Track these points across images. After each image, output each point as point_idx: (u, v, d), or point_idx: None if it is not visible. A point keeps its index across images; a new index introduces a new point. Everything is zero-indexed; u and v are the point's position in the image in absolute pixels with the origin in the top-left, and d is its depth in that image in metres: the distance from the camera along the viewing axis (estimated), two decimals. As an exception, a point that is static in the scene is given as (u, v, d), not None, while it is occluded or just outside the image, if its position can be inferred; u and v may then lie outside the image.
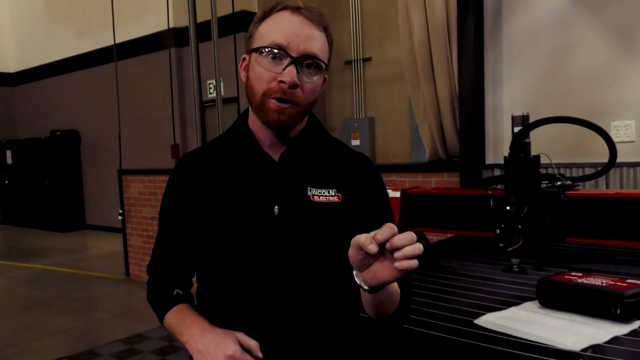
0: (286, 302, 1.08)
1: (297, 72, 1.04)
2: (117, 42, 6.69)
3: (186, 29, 5.42)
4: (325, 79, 1.13)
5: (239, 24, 6.29)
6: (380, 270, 0.93)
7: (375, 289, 0.97)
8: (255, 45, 1.08)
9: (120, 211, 5.97)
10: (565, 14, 2.91)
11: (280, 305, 1.08)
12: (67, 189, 9.78)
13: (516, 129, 1.78)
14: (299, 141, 1.15)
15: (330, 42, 1.11)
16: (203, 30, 5.04)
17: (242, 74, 1.13)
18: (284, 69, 1.04)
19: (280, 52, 1.04)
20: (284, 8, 1.08)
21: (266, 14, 1.09)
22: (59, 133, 9.81)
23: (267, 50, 1.05)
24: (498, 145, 3.19)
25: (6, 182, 10.59)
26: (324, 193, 1.12)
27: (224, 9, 5.63)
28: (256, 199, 1.10)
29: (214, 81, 5.08)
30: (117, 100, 6.53)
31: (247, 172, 1.12)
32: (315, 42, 1.06)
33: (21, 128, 11.06)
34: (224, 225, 1.09)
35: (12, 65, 11.03)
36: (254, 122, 1.15)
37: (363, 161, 1.21)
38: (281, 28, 1.05)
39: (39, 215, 10.00)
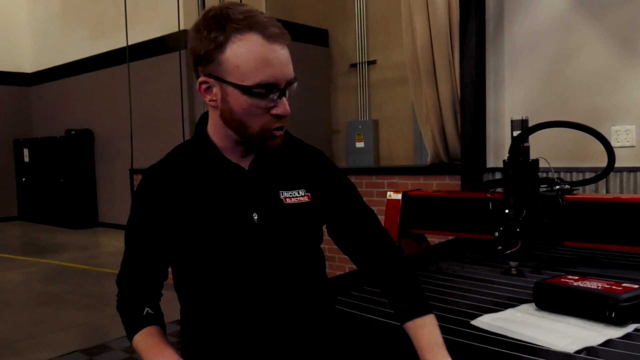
0: (272, 304, 1.11)
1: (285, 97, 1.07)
2: (129, 43, 6.75)
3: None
4: None
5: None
6: None
7: None
8: (234, 79, 1.03)
9: (132, 209, 6.00)
10: (566, 19, 2.92)
11: (266, 308, 1.11)
12: (81, 187, 9.85)
13: (515, 133, 1.80)
14: (266, 148, 1.16)
15: None
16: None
17: (207, 97, 1.08)
18: (275, 102, 1.05)
19: (270, 88, 1.04)
20: (252, 29, 1.01)
21: (228, 35, 1.01)
22: (73, 132, 9.88)
23: (257, 90, 1.03)
24: (499, 149, 3.20)
25: (23, 179, 10.69)
26: (294, 194, 1.16)
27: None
28: (235, 209, 1.11)
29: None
30: (129, 101, 6.57)
31: (219, 184, 1.13)
32: (290, 64, 1.07)
33: (37, 127, 11.15)
34: (205, 237, 1.10)
35: (28, 65, 11.13)
36: (219, 137, 1.14)
37: (321, 157, 1.26)
38: (267, 64, 1.02)
39: (54, 212, 10.06)
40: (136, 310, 1.16)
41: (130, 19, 6.77)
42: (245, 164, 1.15)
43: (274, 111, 1.06)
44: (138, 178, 5.95)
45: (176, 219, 1.12)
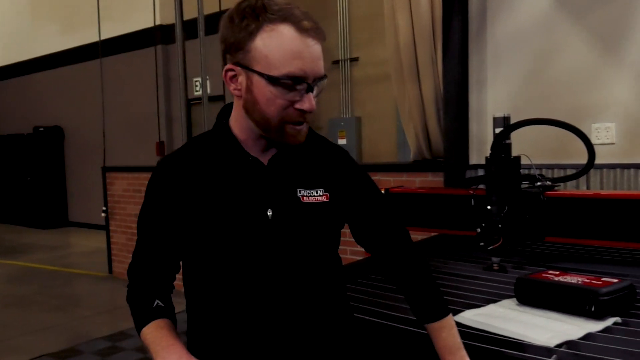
0: (285, 303, 1.08)
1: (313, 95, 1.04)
2: (102, 38, 6.65)
3: (173, 26, 5.39)
4: None
5: (226, 22, 6.26)
6: None
7: None
8: (262, 69, 1.01)
9: (104, 208, 5.94)
10: (548, 18, 2.95)
11: (279, 306, 1.08)
12: (50, 185, 9.70)
13: (497, 130, 1.81)
14: (287, 144, 1.12)
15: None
16: (190, 28, 5.02)
17: (232, 86, 1.07)
18: (302, 96, 1.02)
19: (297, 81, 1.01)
20: (287, 20, 1.00)
21: (261, 22, 1.01)
22: (42, 129, 9.73)
23: (286, 82, 1.01)
24: (482, 146, 3.22)
25: (-12, 178, 10.49)
26: (312, 193, 1.12)
27: (211, 7, 5.62)
28: (249, 203, 1.09)
29: (200, 79, 5.06)
30: (102, 97, 6.49)
31: (236, 177, 1.10)
32: (322, 61, 1.04)
33: (3, 124, 10.92)
34: (218, 230, 1.08)
35: (-5, 60, 10.93)
36: (242, 130, 1.11)
37: (344, 156, 1.22)
38: (297, 57, 1.00)
39: (21, 212, 9.91)
40: (146, 302, 1.14)
41: (104, 14, 6.68)
42: (265, 159, 1.12)
43: (298, 105, 1.03)
44: (111, 176, 5.89)
45: (189, 210, 1.09)
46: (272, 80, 1.00)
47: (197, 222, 1.09)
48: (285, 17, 1.00)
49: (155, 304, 1.13)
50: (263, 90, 1.02)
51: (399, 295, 1.53)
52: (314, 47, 1.02)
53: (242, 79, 1.04)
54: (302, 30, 1.00)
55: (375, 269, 1.77)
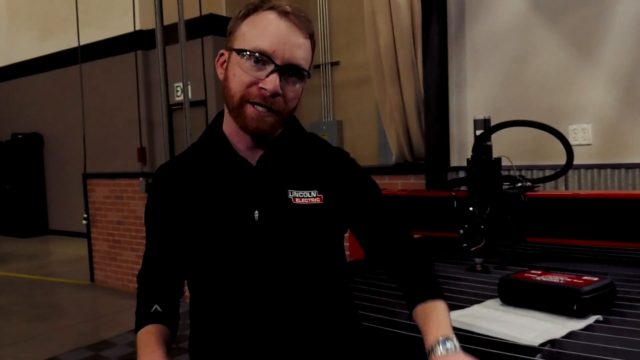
0: (272, 307, 1.06)
1: (280, 80, 1.02)
2: (81, 44, 6.57)
3: (153, 31, 5.36)
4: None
5: (207, 27, 6.25)
6: None
7: None
8: (237, 45, 1.05)
9: (85, 215, 5.86)
10: (524, 22, 3.00)
11: (267, 310, 1.06)
12: (30, 193, 9.54)
13: (478, 132, 1.83)
14: (277, 144, 1.13)
15: (313, 48, 1.10)
16: (170, 33, 4.99)
17: (219, 71, 1.10)
18: (267, 76, 1.02)
19: (264, 58, 1.02)
20: (272, 8, 1.04)
21: (251, 11, 1.05)
22: (20, 136, 9.58)
23: (249, 54, 1.02)
24: (462, 148, 3.25)
25: (-35, 186, 10.27)
26: (305, 195, 1.09)
27: (192, 12, 5.60)
28: (235, 205, 1.07)
29: (181, 84, 5.03)
30: (82, 103, 6.42)
31: (224, 179, 1.10)
32: (300, 50, 1.04)
33: (-19, 131, 10.74)
34: (205, 234, 1.08)
35: (-29, 67, 10.73)
36: (229, 126, 1.12)
37: (342, 158, 1.19)
38: (267, 33, 1.02)
39: (0, 220, 9.72)
40: (146, 306, 1.13)
41: (83, 19, 6.60)
42: (253, 159, 1.11)
43: (261, 84, 1.02)
44: (92, 183, 5.82)
45: (182, 214, 1.10)
46: (241, 52, 1.03)
47: (188, 225, 1.09)
48: (272, 6, 1.04)
49: (154, 308, 1.12)
50: (234, 66, 1.05)
51: (397, 301, 1.53)
52: (290, 32, 1.03)
53: (225, 59, 1.09)
54: (281, 13, 1.03)
55: (370, 269, 1.77)
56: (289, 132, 1.16)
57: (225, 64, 1.09)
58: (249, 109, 1.04)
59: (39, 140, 9.71)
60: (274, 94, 1.02)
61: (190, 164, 1.15)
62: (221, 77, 1.09)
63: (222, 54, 1.10)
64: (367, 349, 1.21)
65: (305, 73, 1.07)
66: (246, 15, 1.06)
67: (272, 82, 1.01)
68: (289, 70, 1.04)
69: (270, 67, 1.02)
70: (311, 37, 1.08)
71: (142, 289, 1.17)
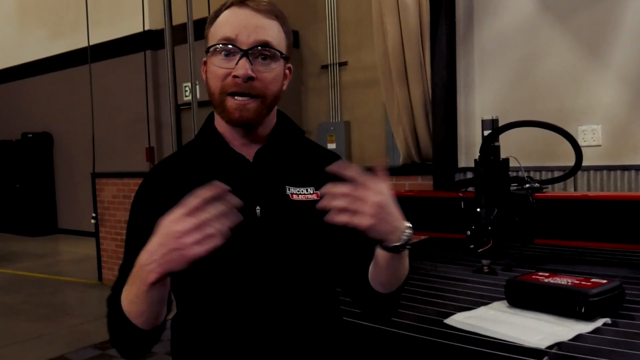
0: (273, 302, 1.06)
1: (251, 63, 1.03)
2: (91, 44, 6.61)
3: (162, 31, 5.38)
4: (290, 69, 1.12)
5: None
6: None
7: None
8: (208, 45, 1.07)
9: (94, 215, 5.89)
10: (533, 22, 2.98)
11: (267, 306, 1.06)
12: (39, 192, 9.60)
13: (486, 133, 1.82)
14: (272, 139, 1.13)
15: (287, 31, 1.10)
16: (179, 33, 5.01)
17: (204, 77, 1.12)
18: (236, 63, 1.03)
19: (231, 47, 1.03)
20: (232, 4, 1.07)
21: (216, 14, 1.08)
22: (30, 135, 9.65)
23: (218, 47, 1.04)
24: (470, 149, 3.24)
25: (-24, 185, 10.38)
26: (302, 191, 1.10)
27: (200, 12, 5.62)
28: None
29: (189, 84, 5.05)
30: (91, 103, 6.45)
31: (222, 175, 1.06)
32: (265, 30, 1.05)
33: (-8, 130, 10.85)
34: None
35: (-18, 66, 10.83)
36: (220, 124, 1.13)
37: (335, 160, 1.18)
38: (228, 22, 1.05)
39: (10, 219, 9.80)
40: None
41: (93, 19, 6.65)
42: (250, 155, 1.11)
43: (234, 72, 1.03)
44: (100, 182, 5.85)
45: None
46: (210, 49, 1.06)
47: None
48: (232, 3, 1.07)
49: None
50: (209, 65, 1.07)
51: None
52: (250, 15, 1.05)
53: (206, 66, 1.10)
54: (239, 3, 1.06)
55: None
56: (282, 129, 1.16)
57: (205, 69, 1.11)
58: (229, 101, 1.05)
59: (48, 139, 9.77)
60: (246, 78, 1.03)
61: (185, 163, 1.14)
62: (205, 82, 1.11)
63: (204, 62, 1.11)
64: (349, 343, 1.21)
65: (277, 52, 1.06)
66: (213, 19, 1.09)
67: (241, 67, 1.02)
68: (258, 52, 1.04)
69: (239, 55, 1.04)
70: (278, 17, 1.08)
71: (113, 304, 1.03)
